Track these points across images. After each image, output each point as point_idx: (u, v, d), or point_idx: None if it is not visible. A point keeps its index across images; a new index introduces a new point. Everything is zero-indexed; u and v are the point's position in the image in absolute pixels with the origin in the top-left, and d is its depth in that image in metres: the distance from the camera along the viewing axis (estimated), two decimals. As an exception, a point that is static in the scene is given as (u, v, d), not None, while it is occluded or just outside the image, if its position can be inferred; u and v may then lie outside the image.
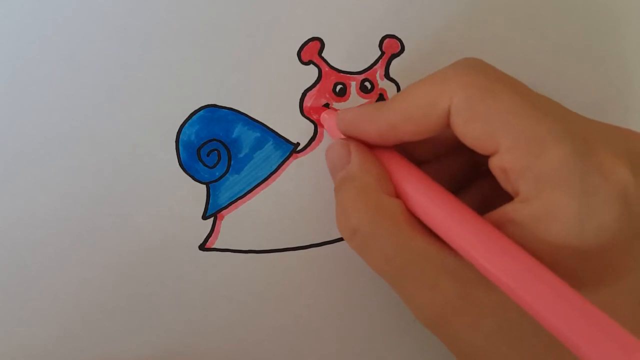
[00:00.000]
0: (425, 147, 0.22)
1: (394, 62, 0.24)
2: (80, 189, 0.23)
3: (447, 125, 0.19)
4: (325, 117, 0.24)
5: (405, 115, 0.20)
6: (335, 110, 0.24)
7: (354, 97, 0.24)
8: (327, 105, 0.24)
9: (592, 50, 0.25)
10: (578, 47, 0.25)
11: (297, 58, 0.24)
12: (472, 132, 0.18)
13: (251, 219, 0.24)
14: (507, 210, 0.18)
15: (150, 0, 0.23)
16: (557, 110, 0.19)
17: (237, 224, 0.24)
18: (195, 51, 0.23)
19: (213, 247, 0.24)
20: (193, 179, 0.24)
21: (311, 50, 0.24)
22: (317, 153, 0.24)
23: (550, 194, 0.17)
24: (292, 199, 0.24)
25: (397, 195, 0.20)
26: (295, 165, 0.24)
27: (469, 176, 0.24)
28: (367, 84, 0.24)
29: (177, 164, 0.24)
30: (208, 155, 0.24)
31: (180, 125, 0.24)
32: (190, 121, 0.24)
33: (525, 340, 0.17)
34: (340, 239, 0.25)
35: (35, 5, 0.22)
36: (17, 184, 0.23)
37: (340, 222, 0.21)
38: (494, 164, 0.18)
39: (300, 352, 0.25)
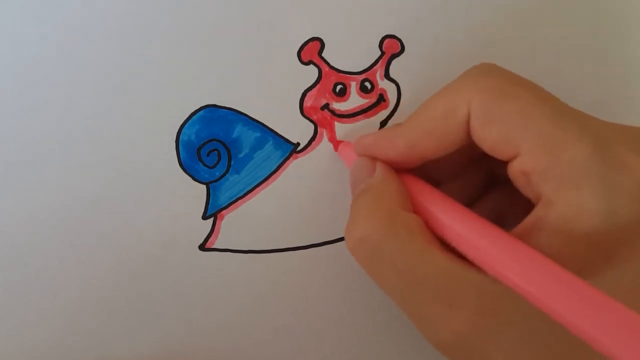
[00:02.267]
0: (441, 167, 0.22)
1: (394, 62, 0.24)
2: (80, 189, 0.23)
3: (467, 134, 0.19)
4: (342, 148, 0.24)
5: (424, 129, 0.20)
6: (351, 143, 0.24)
7: (354, 97, 0.24)
8: (327, 106, 0.24)
9: (594, 50, 0.25)
10: (579, 47, 0.25)
11: (297, 58, 0.24)
12: (490, 135, 0.18)
13: (251, 219, 0.24)
14: (532, 220, 0.18)
15: (150, 0, 0.23)
16: (574, 111, 0.19)
17: (237, 224, 0.24)
18: (195, 51, 0.23)
19: (213, 247, 0.24)
20: (193, 179, 0.24)
21: (311, 50, 0.24)
22: (317, 153, 0.24)
23: (574, 192, 0.17)
24: (292, 199, 0.24)
25: (416, 213, 0.20)
26: (295, 165, 0.24)
27: (482, 191, 0.23)
28: (367, 84, 0.24)
29: (177, 164, 0.24)
30: (208, 155, 0.24)
31: (180, 125, 0.24)
32: (190, 121, 0.24)
33: (550, 350, 0.17)
34: (341, 239, 0.25)
35: (35, 5, 0.22)
36: (17, 184, 0.23)
37: (348, 231, 0.20)
38: (514, 169, 0.18)
39: (300, 353, 0.25)
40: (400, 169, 0.21)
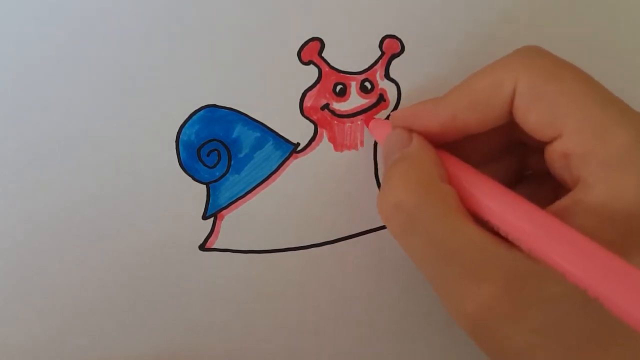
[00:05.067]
0: (474, 150, 0.22)
1: (394, 62, 0.24)
2: (81, 189, 0.23)
3: (509, 112, 0.19)
4: (374, 124, 0.23)
5: (468, 101, 0.20)
6: (383, 120, 0.23)
7: (354, 97, 0.24)
8: (327, 106, 0.24)
9: (595, 50, 0.25)
10: (580, 47, 0.25)
11: (297, 58, 0.24)
12: (535, 115, 0.18)
13: (251, 219, 0.24)
14: (567, 202, 0.18)
15: (150, 0, 0.23)
16: (616, 98, 0.19)
17: (237, 224, 0.24)
18: (195, 51, 0.23)
19: (213, 247, 0.24)
20: (193, 179, 0.24)
21: (311, 50, 0.24)
22: (317, 153, 0.24)
23: (617, 177, 0.17)
24: (292, 199, 0.24)
25: (452, 186, 0.19)
26: (295, 165, 0.24)
27: (511, 182, 0.23)
28: (367, 84, 0.24)
29: (177, 164, 0.24)
30: (208, 155, 0.24)
31: (180, 125, 0.24)
32: (190, 121, 0.24)
33: (574, 334, 0.16)
34: (341, 239, 0.25)
35: (35, 6, 0.22)
36: (17, 185, 0.23)
37: (382, 197, 0.19)
38: (554, 150, 0.18)
39: (300, 352, 0.25)
40: (436, 143, 0.21)
